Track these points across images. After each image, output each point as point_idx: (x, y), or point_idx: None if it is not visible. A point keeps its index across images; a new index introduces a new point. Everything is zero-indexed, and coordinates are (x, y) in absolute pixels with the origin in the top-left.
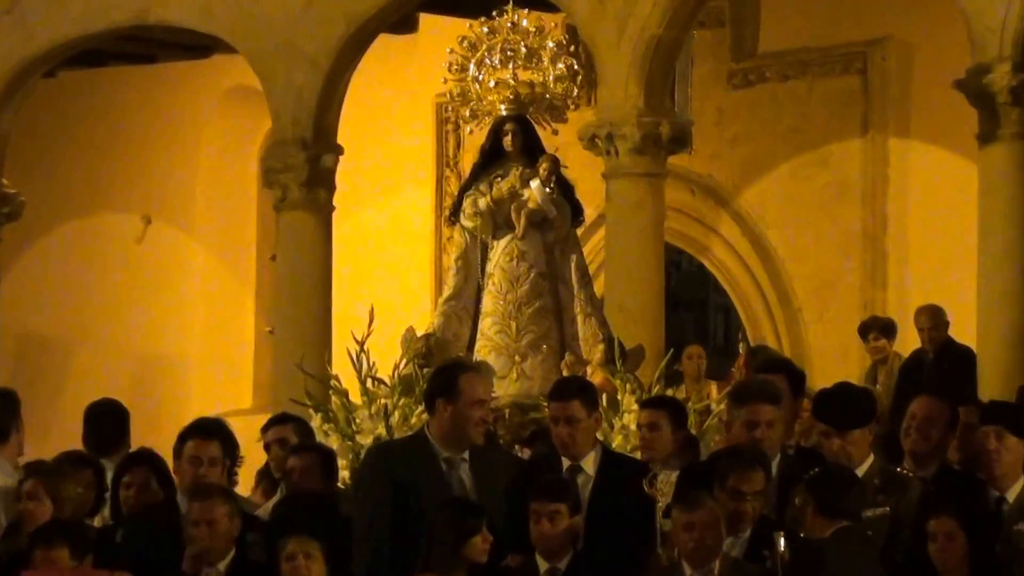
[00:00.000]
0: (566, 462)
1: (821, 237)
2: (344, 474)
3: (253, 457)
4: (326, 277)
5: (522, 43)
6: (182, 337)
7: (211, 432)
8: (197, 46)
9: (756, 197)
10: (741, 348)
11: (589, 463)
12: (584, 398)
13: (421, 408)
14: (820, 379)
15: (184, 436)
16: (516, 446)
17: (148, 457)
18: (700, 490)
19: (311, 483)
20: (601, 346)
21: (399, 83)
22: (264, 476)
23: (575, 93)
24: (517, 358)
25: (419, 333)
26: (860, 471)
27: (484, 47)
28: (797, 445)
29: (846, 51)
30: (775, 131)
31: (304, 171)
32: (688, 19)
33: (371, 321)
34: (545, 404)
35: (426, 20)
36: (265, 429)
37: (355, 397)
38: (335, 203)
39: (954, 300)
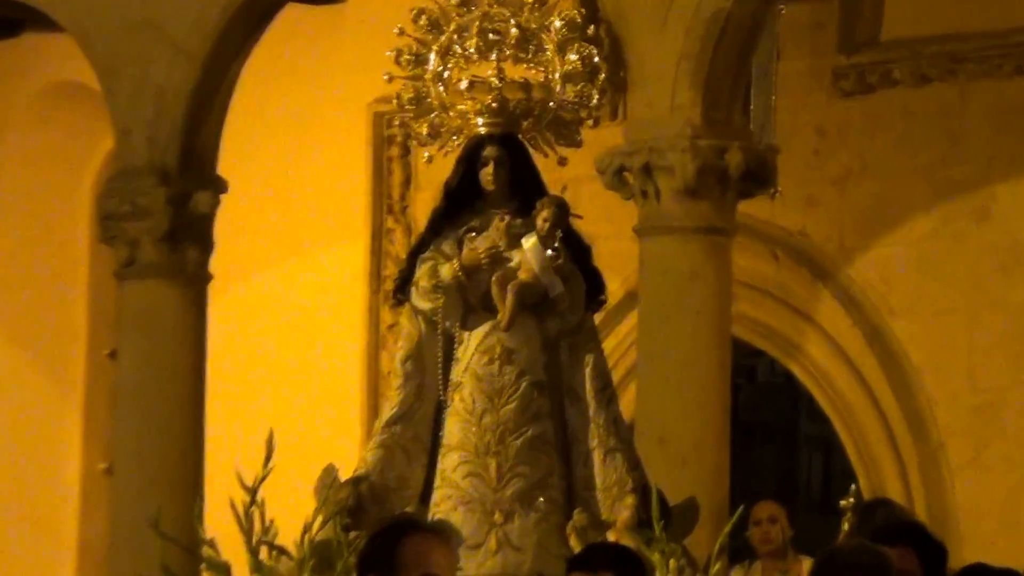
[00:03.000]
0: None
1: (978, 331)
2: None
3: None
4: (196, 384)
5: (512, 21)
6: None
7: None
8: None
9: (876, 267)
10: (846, 506)
11: None
12: (622, 571)
13: None
14: (973, 553)
15: None
16: None
17: None
18: None
19: None
20: (631, 499)
21: (317, 83)
22: None
23: (594, 101)
24: (498, 516)
25: (343, 475)
26: None
27: (452, 27)
28: None
29: (1021, 40)
30: (907, 163)
31: (165, 218)
32: None
33: (268, 455)
34: None
35: None
36: None
37: (242, 575)
38: (213, 269)
39: None
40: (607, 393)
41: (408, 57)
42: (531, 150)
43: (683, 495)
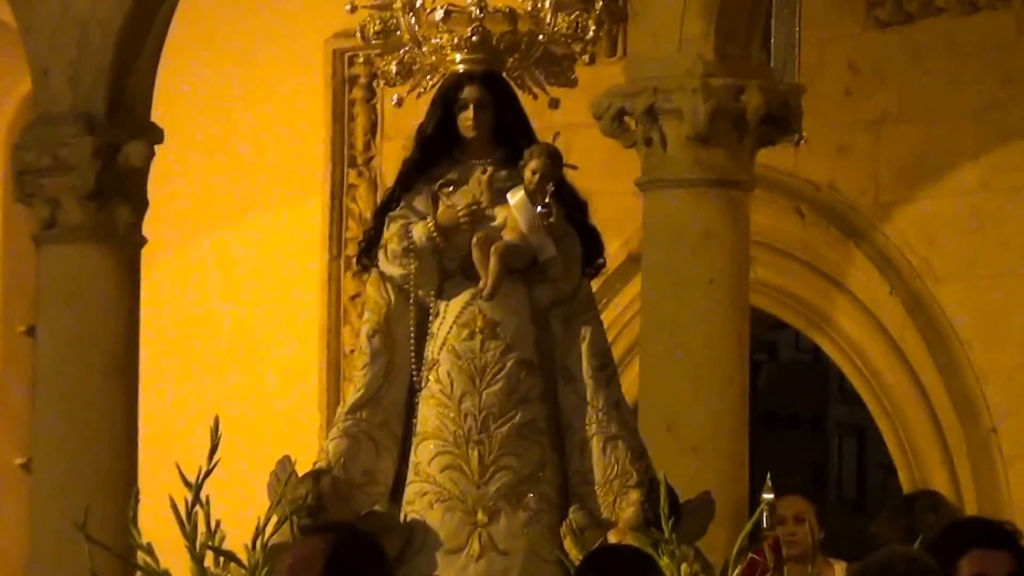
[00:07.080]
0: None
1: None
2: None
3: None
4: (128, 364)
5: None
6: None
7: None
8: None
9: (917, 224)
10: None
11: None
12: None
13: None
14: None
15: None
16: None
17: None
18: None
19: None
20: (635, 495)
21: (267, 14)
22: None
23: (590, 33)
24: (481, 516)
25: (301, 469)
26: None
27: None
28: None
29: None
30: (953, 105)
31: (91, 172)
32: None
33: (214, 447)
34: None
35: None
36: None
37: None
38: (147, 231)
39: None
40: (607, 372)
41: None
42: (517, 91)
43: (695, 490)
